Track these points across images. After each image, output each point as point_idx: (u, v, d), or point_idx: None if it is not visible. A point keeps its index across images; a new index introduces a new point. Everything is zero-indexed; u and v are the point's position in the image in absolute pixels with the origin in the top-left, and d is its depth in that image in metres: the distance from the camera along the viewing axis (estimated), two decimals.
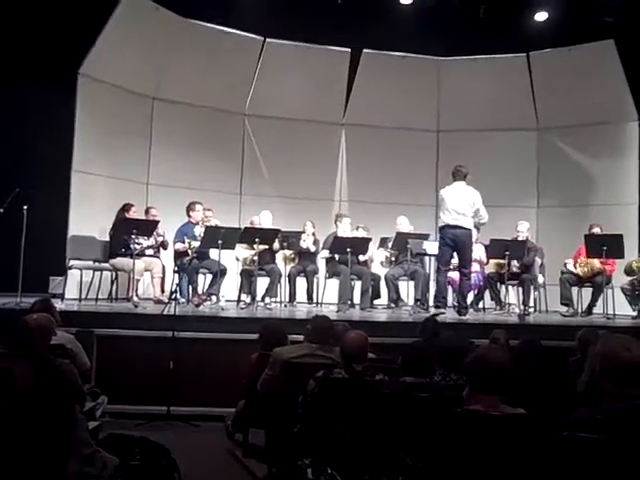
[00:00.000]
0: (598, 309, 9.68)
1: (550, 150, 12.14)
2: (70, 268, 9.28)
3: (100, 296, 9.51)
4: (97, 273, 9.57)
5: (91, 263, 9.49)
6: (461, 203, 8.77)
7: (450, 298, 9.59)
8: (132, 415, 6.66)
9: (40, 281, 9.45)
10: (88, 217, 9.91)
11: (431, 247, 9.62)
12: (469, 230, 8.88)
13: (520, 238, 10.19)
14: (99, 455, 2.82)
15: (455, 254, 8.99)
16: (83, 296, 9.26)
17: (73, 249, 9.44)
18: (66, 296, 9.05)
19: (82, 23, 9.62)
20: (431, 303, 9.50)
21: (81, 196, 9.92)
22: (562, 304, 9.92)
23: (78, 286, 9.31)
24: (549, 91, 11.83)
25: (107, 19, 9.84)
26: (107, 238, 9.53)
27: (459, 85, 12.12)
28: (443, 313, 8.52)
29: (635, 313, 9.53)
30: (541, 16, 11.19)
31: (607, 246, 9.26)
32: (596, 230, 9.89)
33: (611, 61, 11.02)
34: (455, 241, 8.78)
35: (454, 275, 9.62)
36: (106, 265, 9.42)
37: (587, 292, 9.98)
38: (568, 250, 10.20)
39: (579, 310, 9.90)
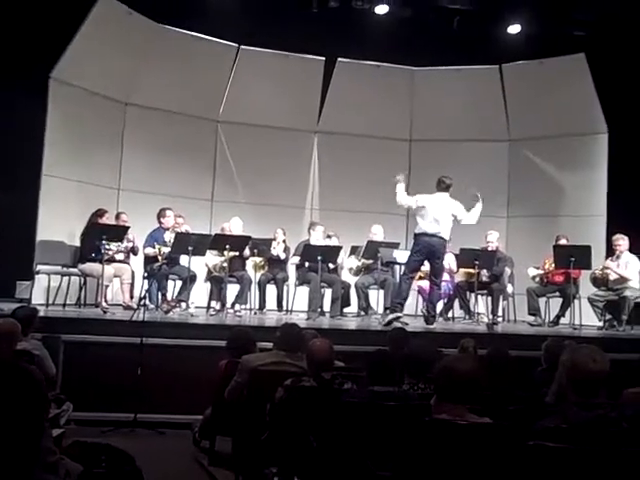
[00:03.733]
0: (565, 319, 9.77)
1: (521, 161, 12.26)
2: (38, 273, 9.17)
3: (68, 301, 9.42)
4: (65, 278, 9.47)
5: (59, 268, 9.39)
6: (443, 213, 8.70)
7: (418, 306, 9.63)
8: (98, 422, 6.58)
9: (7, 286, 9.35)
10: (57, 222, 9.80)
11: (401, 256, 9.63)
12: (445, 240, 8.82)
13: (490, 248, 10.27)
14: (63, 463, 2.78)
15: (427, 262, 8.96)
16: (50, 301, 9.17)
17: (41, 254, 9.34)
18: (33, 301, 8.92)
19: (54, 27, 9.53)
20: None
21: (50, 200, 9.81)
22: (530, 314, 10.01)
23: (45, 291, 9.22)
24: (521, 103, 11.95)
25: (80, 23, 9.75)
26: (76, 243, 9.44)
27: (432, 95, 12.20)
28: (399, 317, 8.51)
29: (601, 324, 9.64)
30: (514, 29, 11.32)
31: (575, 257, 9.35)
32: (563, 241, 10.02)
33: (582, 74, 11.16)
34: (430, 250, 8.70)
35: (425, 284, 9.67)
36: (74, 270, 9.32)
37: (554, 302, 10.08)
38: (537, 260, 10.29)
39: (546, 320, 9.99)
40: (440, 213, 8.70)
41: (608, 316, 9.63)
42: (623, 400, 4.07)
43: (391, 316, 8.60)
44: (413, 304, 10.66)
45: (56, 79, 9.92)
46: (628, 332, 9.24)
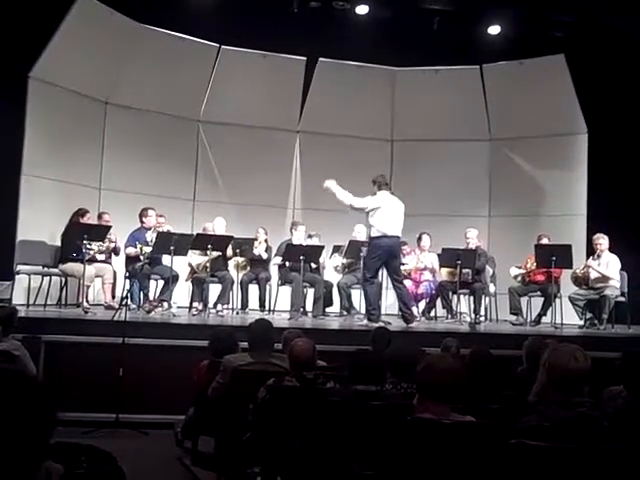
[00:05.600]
0: (546, 318, 9.83)
1: (502, 161, 12.31)
2: (18, 273, 9.11)
3: (49, 302, 9.36)
4: (46, 278, 9.42)
5: (40, 268, 9.33)
6: (397, 213, 8.72)
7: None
8: (80, 423, 6.53)
9: None
10: (38, 222, 9.73)
11: None
12: (400, 239, 8.90)
13: (470, 245, 10.31)
14: (44, 464, 2.75)
15: (385, 265, 8.88)
16: (31, 302, 9.11)
17: (22, 254, 9.27)
18: (14, 302, 8.85)
19: (34, 25, 9.46)
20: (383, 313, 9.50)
21: (31, 200, 9.74)
22: (511, 314, 10.06)
23: (26, 292, 9.16)
24: (501, 103, 12.01)
25: (60, 22, 9.68)
26: (57, 243, 9.38)
27: (413, 95, 12.23)
28: (388, 324, 8.50)
29: (582, 322, 9.70)
30: (494, 29, 11.36)
31: (556, 256, 9.41)
32: (544, 240, 10.07)
33: (561, 75, 11.23)
34: (390, 251, 8.66)
35: (408, 284, 9.70)
36: (55, 270, 9.27)
37: (536, 301, 10.13)
38: (518, 259, 10.34)
39: (528, 319, 10.04)
40: (394, 213, 8.71)
41: (589, 315, 9.69)
42: (604, 398, 4.10)
43: (366, 323, 8.59)
44: (395, 304, 10.67)
45: (35, 78, 9.84)
46: (609, 331, 9.31)
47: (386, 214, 8.65)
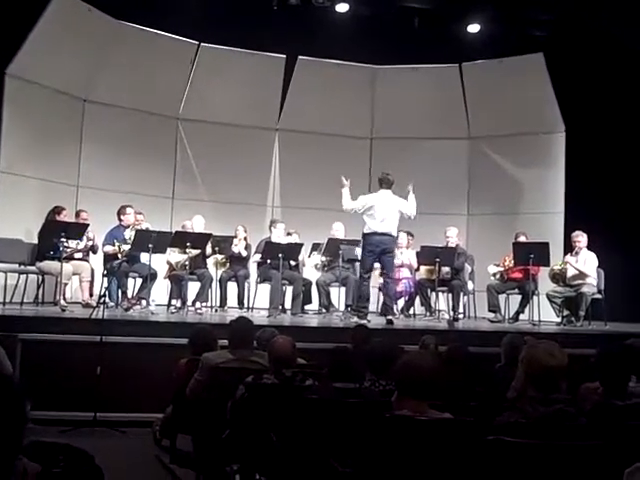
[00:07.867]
0: (524, 315, 9.89)
1: (481, 159, 12.38)
2: None
3: (26, 300, 9.28)
4: (23, 276, 9.33)
5: (17, 266, 9.24)
6: (390, 211, 8.87)
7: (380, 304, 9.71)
8: (57, 421, 6.50)
9: None
10: (15, 219, 9.66)
11: None
12: (394, 237, 9.10)
13: (450, 243, 10.34)
14: (20, 462, 2.73)
15: (378, 260, 9.06)
16: (8, 300, 9.03)
17: None
18: None
19: (10, 22, 9.37)
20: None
21: (8, 197, 9.67)
22: (489, 311, 10.10)
23: (2, 289, 9.07)
24: (480, 101, 12.07)
25: (37, 19, 9.61)
26: (34, 240, 9.30)
27: (393, 93, 12.25)
28: (368, 322, 8.54)
29: (559, 319, 9.77)
30: (473, 28, 11.41)
31: (534, 254, 9.46)
32: (522, 238, 10.14)
33: (540, 74, 11.31)
34: (382, 248, 8.84)
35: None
36: (32, 268, 9.18)
37: (514, 299, 10.18)
38: (497, 257, 10.39)
39: (506, 316, 10.09)
40: (388, 211, 8.87)
41: (566, 312, 9.77)
42: (581, 395, 4.13)
43: (357, 320, 8.62)
44: (374, 302, 10.69)
45: (12, 75, 9.77)
46: (585, 327, 9.38)
47: (379, 213, 8.82)
